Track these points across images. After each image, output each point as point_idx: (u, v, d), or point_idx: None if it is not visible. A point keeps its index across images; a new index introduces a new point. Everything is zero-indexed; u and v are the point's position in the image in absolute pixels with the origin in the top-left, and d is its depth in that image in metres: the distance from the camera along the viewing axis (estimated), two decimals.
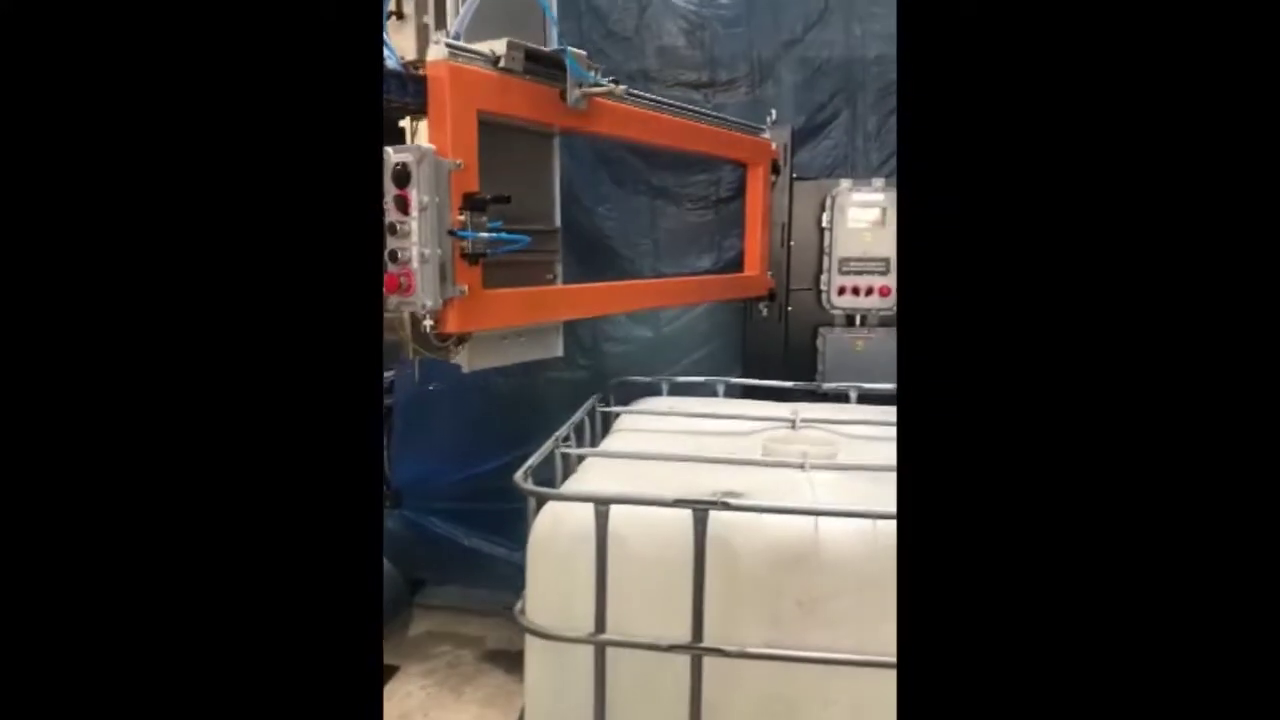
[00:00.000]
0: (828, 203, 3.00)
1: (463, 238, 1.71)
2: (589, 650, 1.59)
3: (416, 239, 1.65)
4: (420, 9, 1.98)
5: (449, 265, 1.71)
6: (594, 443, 2.30)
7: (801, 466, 1.87)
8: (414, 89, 1.70)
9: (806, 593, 1.56)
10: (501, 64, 1.81)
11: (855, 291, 3.01)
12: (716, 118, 2.74)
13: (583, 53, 2.02)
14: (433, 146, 1.67)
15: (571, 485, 1.85)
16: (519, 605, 1.69)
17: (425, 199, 1.64)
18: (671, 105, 2.50)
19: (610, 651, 1.59)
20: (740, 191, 3.05)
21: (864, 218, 2.99)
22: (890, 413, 2.33)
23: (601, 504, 1.53)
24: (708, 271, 3.14)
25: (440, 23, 1.96)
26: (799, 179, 3.05)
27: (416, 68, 1.76)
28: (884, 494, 1.62)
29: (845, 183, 2.99)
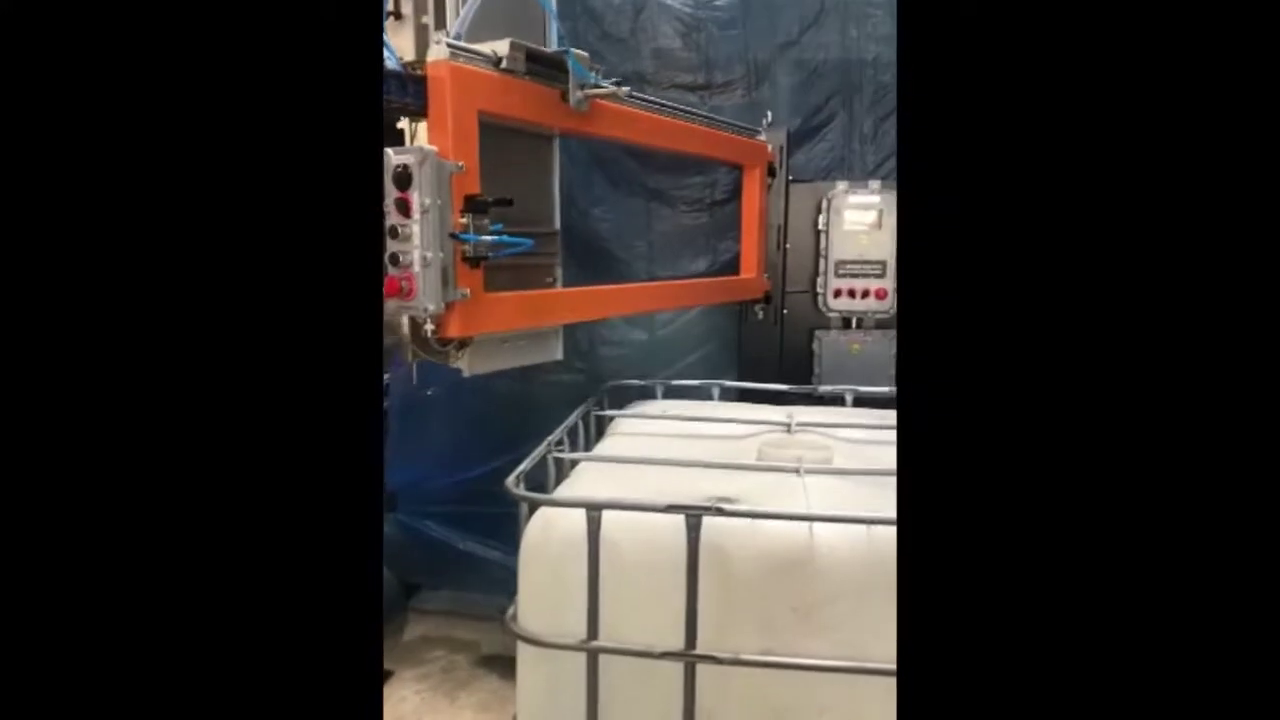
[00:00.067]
0: (824, 205, 2.99)
1: (465, 241, 1.69)
2: (581, 657, 1.58)
3: (418, 242, 1.63)
4: (419, 9, 1.97)
5: (450, 269, 1.69)
6: (588, 447, 2.28)
7: (797, 471, 1.86)
8: (414, 90, 1.69)
9: (801, 599, 1.55)
10: (503, 65, 1.80)
11: (851, 294, 3.00)
12: (714, 120, 2.73)
13: (585, 54, 2.01)
14: (435, 148, 1.65)
15: (564, 490, 1.84)
16: (510, 612, 1.68)
17: (427, 201, 1.62)
18: (671, 107, 2.49)
19: (603, 658, 1.58)
20: (735, 194, 3.04)
21: (860, 220, 2.98)
22: (886, 416, 2.32)
23: (593, 509, 1.51)
24: (703, 274, 3.13)
25: (440, 23, 1.95)
26: (795, 181, 3.04)
27: (415, 68, 1.75)
28: (880, 498, 1.61)
29: (841, 185, 2.98)
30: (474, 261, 1.73)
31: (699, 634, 1.52)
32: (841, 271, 3.01)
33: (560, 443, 2.04)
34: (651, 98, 2.43)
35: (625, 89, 2.10)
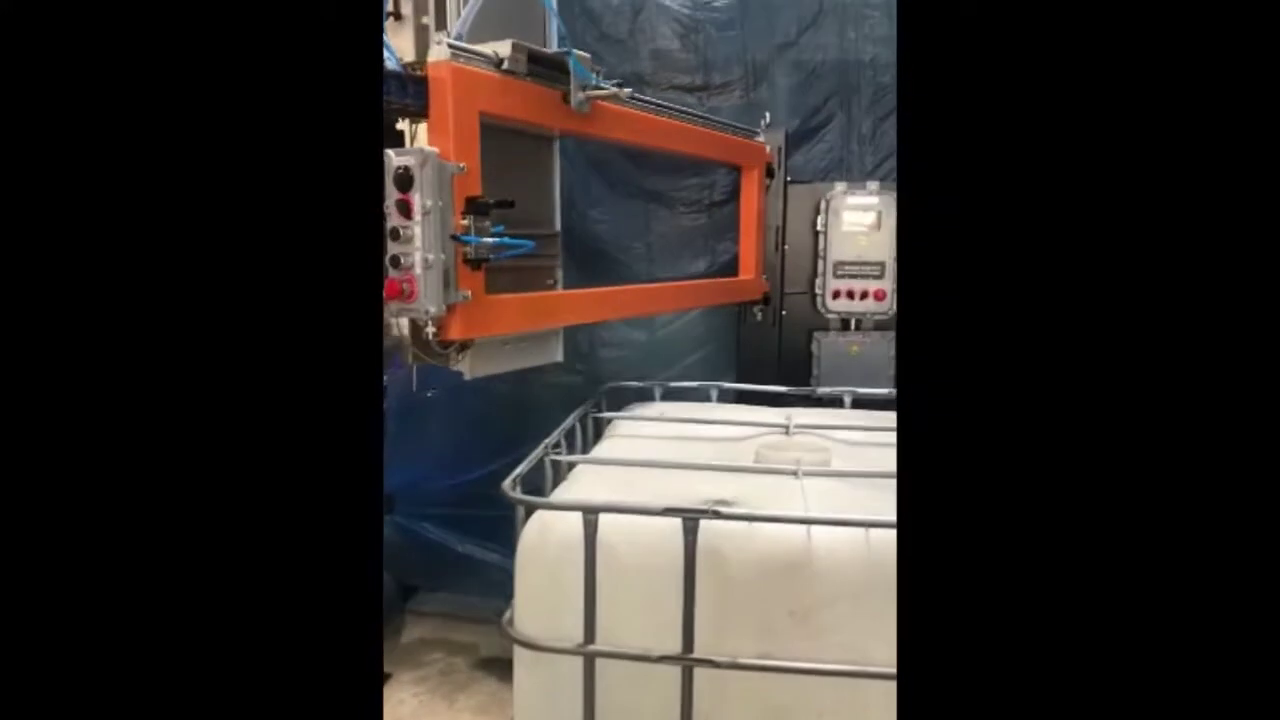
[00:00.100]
0: (822, 206, 2.98)
1: (466, 243, 1.68)
2: (578, 661, 1.57)
3: (419, 244, 1.62)
4: (419, 10, 1.96)
5: (452, 271, 1.68)
6: (586, 449, 2.28)
7: (795, 473, 1.85)
8: (415, 90, 1.68)
9: (799, 602, 1.55)
10: (505, 66, 1.79)
11: (850, 295, 3.00)
12: (713, 121, 2.72)
13: (587, 55, 2.00)
14: (436, 150, 1.64)
15: (561, 493, 1.83)
16: (507, 615, 1.67)
17: (428, 203, 1.61)
18: (671, 108, 2.49)
19: (600, 662, 1.57)
20: (734, 195, 3.04)
21: (859, 221, 2.97)
22: (884, 418, 2.32)
23: (590, 513, 1.51)
24: (702, 275, 3.13)
25: (441, 24, 1.94)
26: (793, 182, 3.04)
27: (415, 69, 1.74)
28: (878, 501, 1.61)
29: (840, 186, 2.98)
30: (475, 263, 1.72)
31: (696, 638, 1.51)
32: (840, 273, 3.00)
33: (557, 445, 2.03)
34: (652, 99, 2.42)
35: (627, 90, 2.09)
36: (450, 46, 1.69)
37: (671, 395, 2.72)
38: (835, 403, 2.64)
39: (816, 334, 3.06)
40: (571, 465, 2.01)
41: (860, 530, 1.53)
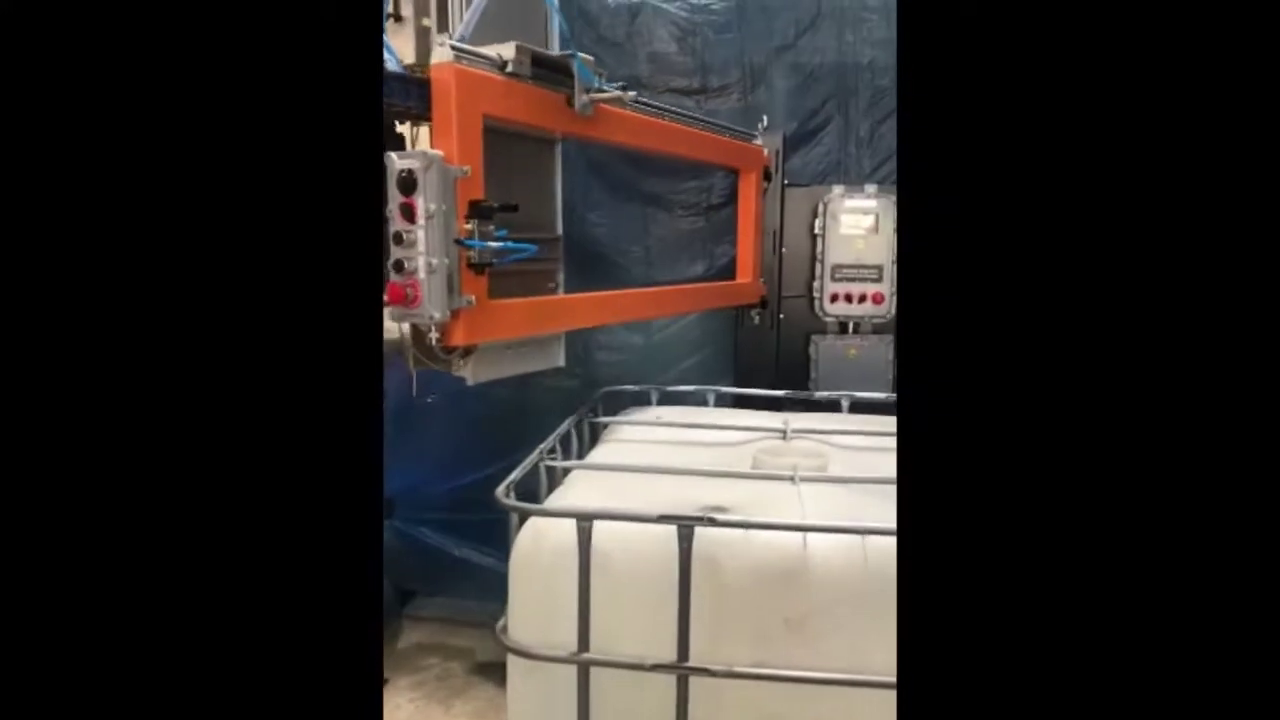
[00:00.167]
0: (820, 209, 2.97)
1: (470, 247, 1.66)
2: (573, 669, 1.56)
3: (423, 248, 1.60)
4: (419, 12, 1.95)
5: (455, 275, 1.66)
6: (581, 454, 2.26)
7: (791, 479, 1.84)
8: (417, 93, 1.67)
9: (795, 610, 1.53)
10: (509, 68, 1.78)
11: (848, 299, 2.99)
12: (711, 124, 2.72)
13: (590, 58, 1.99)
14: (440, 153, 1.62)
15: (556, 499, 1.82)
16: (501, 623, 1.66)
17: (432, 207, 1.59)
18: (672, 111, 2.48)
19: (594, 670, 1.56)
20: (731, 198, 3.03)
21: (857, 224, 2.96)
22: (882, 422, 2.31)
23: (584, 520, 1.50)
24: (700, 278, 3.12)
25: (443, 26, 1.93)
26: (791, 185, 3.03)
27: (415, 71, 1.73)
28: (876, 507, 1.60)
29: (838, 189, 2.97)
30: (479, 268, 1.70)
31: (692, 646, 1.50)
32: (838, 276, 2.99)
33: (552, 451, 2.02)
34: (653, 102, 2.42)
35: (631, 94, 2.09)
36: (453, 48, 1.67)
37: (668, 399, 2.71)
38: (833, 407, 2.63)
39: (814, 337, 3.05)
40: (567, 471, 1.99)
41: (857, 537, 1.52)
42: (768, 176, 2.97)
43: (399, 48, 1.86)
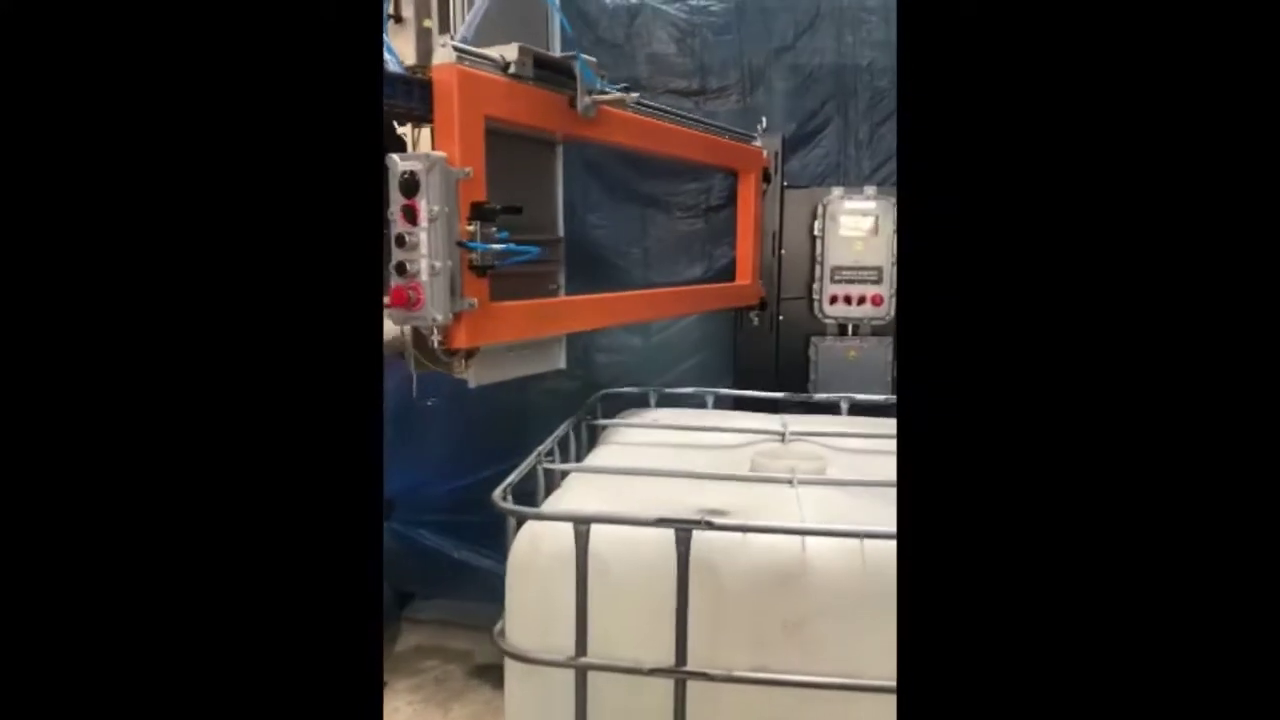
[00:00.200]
0: (819, 211, 2.97)
1: (473, 249, 1.65)
2: (570, 673, 1.55)
3: (425, 250, 1.59)
4: (420, 13, 1.94)
5: (458, 278, 1.65)
6: (580, 457, 2.26)
7: (790, 482, 1.83)
8: (419, 94, 1.66)
9: (793, 614, 1.52)
10: (511, 70, 1.77)
11: (847, 300, 2.98)
12: (710, 125, 2.71)
13: (593, 60, 1.99)
14: (443, 154, 1.61)
15: (553, 503, 1.81)
16: (498, 627, 1.66)
17: (435, 209, 1.58)
18: (672, 113, 2.48)
19: (592, 674, 1.55)
20: (730, 200, 3.02)
21: (856, 226, 2.96)
22: (881, 424, 2.30)
23: (581, 523, 1.49)
24: (698, 280, 3.11)
25: (444, 27, 1.92)
26: (790, 187, 3.02)
27: (416, 73, 1.72)
28: (874, 510, 1.59)
29: (837, 191, 2.96)
30: (481, 270, 1.69)
31: (690, 650, 1.49)
32: (837, 278, 2.99)
33: (550, 453, 2.01)
34: (653, 104, 2.41)
35: (634, 95, 2.08)
36: (456, 49, 1.66)
37: (667, 401, 2.70)
38: (832, 409, 2.63)
39: (814, 339, 3.04)
40: (565, 473, 1.99)
41: (856, 541, 1.51)
42: (767, 178, 2.97)
43: (400, 49, 1.86)
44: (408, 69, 1.75)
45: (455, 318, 1.67)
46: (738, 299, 2.99)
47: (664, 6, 3.04)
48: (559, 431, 2.16)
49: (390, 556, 3.18)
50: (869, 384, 2.85)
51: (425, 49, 1.89)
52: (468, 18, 1.89)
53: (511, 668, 1.68)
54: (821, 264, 2.99)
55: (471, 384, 1.86)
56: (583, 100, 1.95)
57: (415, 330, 1.74)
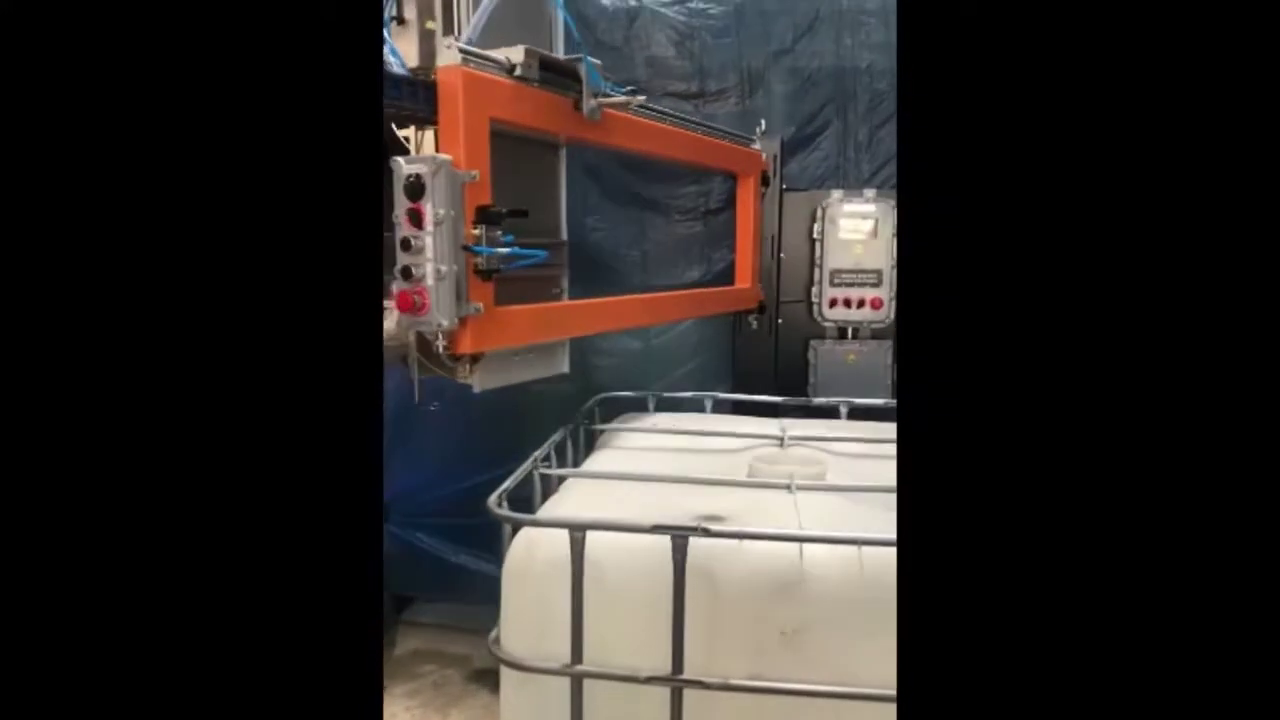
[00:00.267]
0: (818, 214, 2.96)
1: (478, 253, 1.63)
2: (566, 680, 1.54)
3: (431, 254, 1.57)
4: (423, 14, 1.93)
5: (463, 282, 1.64)
6: (577, 462, 2.25)
7: (788, 488, 1.82)
8: (424, 96, 1.64)
9: (791, 622, 1.51)
10: (517, 72, 1.76)
11: (847, 304, 2.97)
12: (710, 128, 2.70)
13: (598, 62, 1.98)
14: (449, 157, 1.60)
15: (550, 508, 1.80)
16: (494, 634, 1.64)
17: (440, 212, 1.56)
18: (674, 116, 2.47)
19: (588, 681, 1.54)
20: (729, 203, 3.02)
21: (855, 229, 2.95)
22: (881, 429, 2.29)
23: (576, 530, 1.48)
24: (697, 284, 3.10)
25: (449, 28, 1.91)
26: (789, 190, 3.01)
27: (418, 75, 1.71)
28: (873, 516, 1.58)
29: (836, 194, 2.95)
30: (486, 274, 1.67)
31: (686, 658, 1.48)
32: (837, 281, 2.98)
33: (546, 459, 2.00)
34: (660, 108, 2.41)
35: (640, 98, 2.07)
36: (462, 51, 1.65)
37: (665, 405, 2.69)
38: (831, 413, 2.62)
39: (813, 343, 3.03)
40: (561, 479, 1.98)
41: (854, 547, 1.50)
42: (766, 181, 2.96)
43: (403, 50, 1.85)
44: (411, 70, 1.74)
45: (461, 322, 1.65)
46: (737, 302, 2.98)
47: (663, 9, 3.03)
48: (555, 437, 2.15)
49: (388, 560, 3.17)
50: (869, 388, 2.83)
51: (428, 50, 1.88)
52: (472, 20, 1.88)
53: (507, 675, 1.67)
54: (821, 267, 2.98)
55: (476, 389, 1.84)
56: (588, 103, 1.94)
57: (419, 334, 1.72)
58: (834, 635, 1.50)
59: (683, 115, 2.57)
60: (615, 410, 2.67)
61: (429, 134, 1.80)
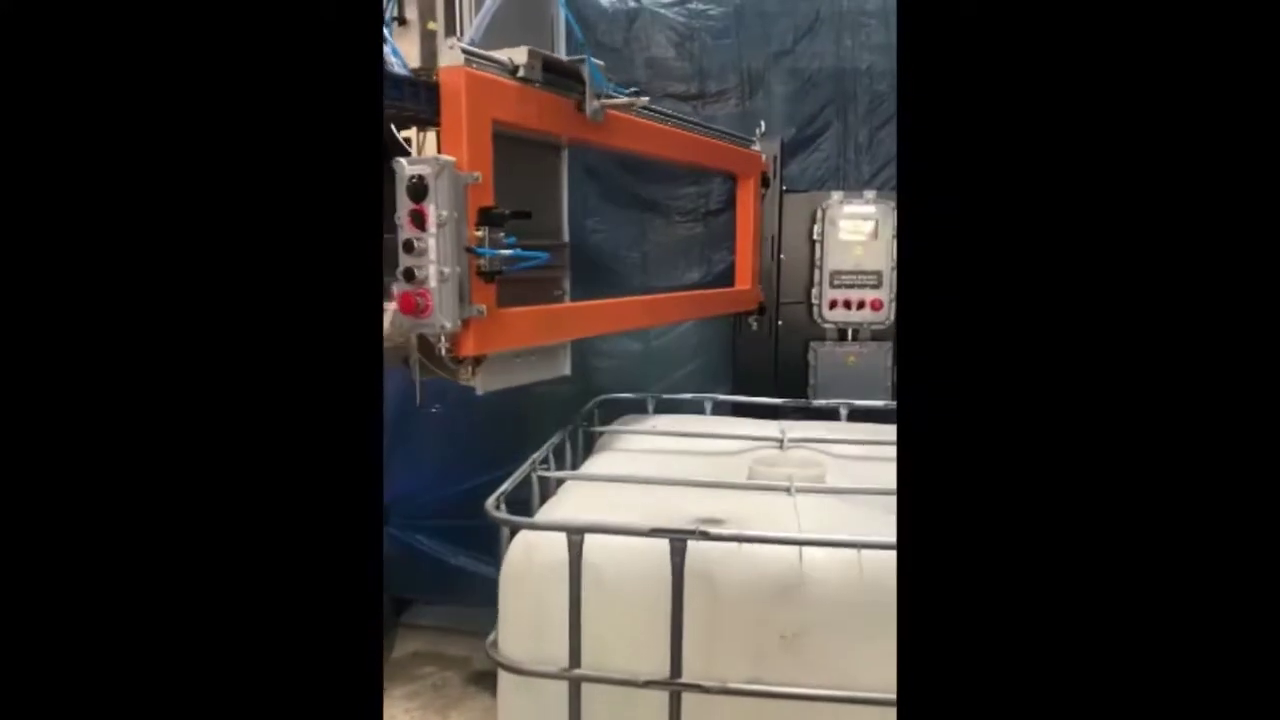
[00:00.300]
0: (819, 215, 2.96)
1: (481, 255, 1.63)
2: (564, 684, 1.54)
3: (434, 256, 1.56)
4: (424, 15, 1.92)
5: (466, 284, 1.63)
6: (575, 464, 2.24)
7: (788, 490, 1.82)
8: (426, 96, 1.64)
9: (790, 625, 1.51)
10: (520, 73, 1.75)
11: (847, 305, 2.97)
12: (710, 129, 2.70)
13: (601, 63, 1.97)
14: (452, 158, 1.59)
15: (548, 511, 1.80)
16: (491, 637, 1.64)
17: (444, 214, 1.55)
18: (675, 117, 2.47)
19: (586, 686, 1.53)
20: (729, 204, 3.01)
21: (856, 230, 2.94)
22: (880, 431, 2.28)
23: (575, 533, 1.47)
24: (697, 285, 3.10)
25: (450, 29, 1.90)
26: (789, 191, 3.01)
27: (420, 75, 1.70)
28: (873, 519, 1.57)
29: (836, 195, 2.95)
30: (489, 276, 1.67)
31: (685, 661, 1.48)
32: (837, 282, 2.97)
33: (545, 461, 2.00)
34: (662, 109, 2.41)
35: (644, 99, 2.06)
36: (464, 52, 1.64)
37: (665, 407, 2.69)
38: (831, 414, 2.61)
39: (813, 344, 3.02)
40: (560, 481, 1.97)
41: (854, 550, 1.49)
42: (766, 182, 2.95)
43: (404, 51, 1.84)
44: (413, 71, 1.73)
45: (464, 324, 1.65)
46: (737, 304, 2.97)
47: (663, 10, 3.03)
48: (554, 439, 2.15)
49: (388, 562, 3.16)
50: (868, 389, 2.83)
51: (430, 51, 1.88)
52: (475, 20, 1.87)
53: (505, 678, 1.67)
54: (821, 268, 2.97)
55: (479, 391, 1.84)
56: (591, 104, 1.93)
57: (421, 337, 1.71)
58: (834, 639, 1.50)
59: (683, 116, 2.57)
60: (615, 412, 2.67)
61: (430, 135, 1.79)
